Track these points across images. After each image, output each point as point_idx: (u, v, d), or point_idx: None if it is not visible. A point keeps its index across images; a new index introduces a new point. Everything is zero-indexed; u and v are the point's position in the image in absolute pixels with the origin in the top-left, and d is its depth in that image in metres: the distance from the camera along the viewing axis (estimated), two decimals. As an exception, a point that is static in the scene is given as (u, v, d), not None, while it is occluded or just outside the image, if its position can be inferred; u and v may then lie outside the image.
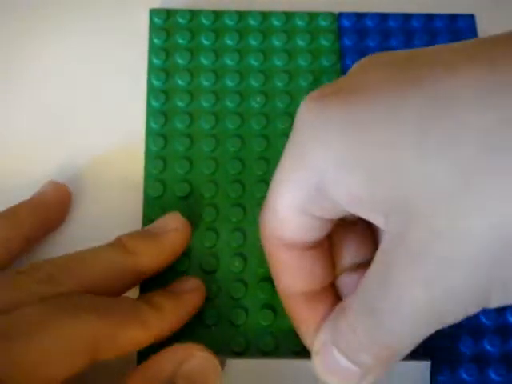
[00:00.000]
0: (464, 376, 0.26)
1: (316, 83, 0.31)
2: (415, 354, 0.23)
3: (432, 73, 0.18)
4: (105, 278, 0.23)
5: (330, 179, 0.20)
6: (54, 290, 0.22)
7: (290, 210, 0.22)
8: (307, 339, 0.24)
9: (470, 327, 0.27)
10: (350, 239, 0.25)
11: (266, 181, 0.28)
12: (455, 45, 0.19)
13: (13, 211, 0.26)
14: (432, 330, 0.20)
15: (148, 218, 0.28)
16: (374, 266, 0.20)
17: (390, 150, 0.18)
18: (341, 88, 0.20)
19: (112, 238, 0.25)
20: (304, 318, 0.24)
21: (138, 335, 0.22)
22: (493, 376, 0.26)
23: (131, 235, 0.25)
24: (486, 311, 0.27)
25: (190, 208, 0.28)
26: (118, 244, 0.25)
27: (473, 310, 0.19)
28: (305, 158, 0.21)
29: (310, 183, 0.21)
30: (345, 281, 0.24)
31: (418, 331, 0.20)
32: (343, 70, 0.31)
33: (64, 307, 0.21)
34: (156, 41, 0.31)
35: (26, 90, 0.31)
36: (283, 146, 0.29)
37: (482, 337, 0.27)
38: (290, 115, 0.30)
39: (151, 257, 0.25)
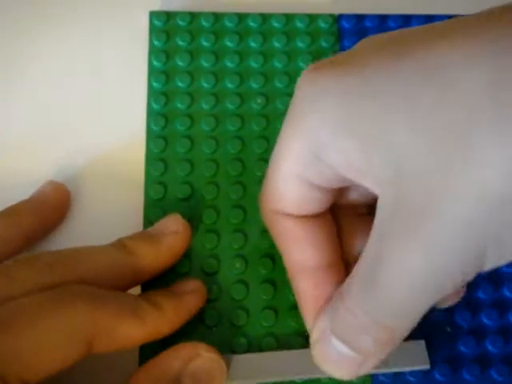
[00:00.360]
0: (466, 376, 0.26)
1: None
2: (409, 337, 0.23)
3: (423, 44, 0.19)
4: (103, 274, 0.23)
5: (326, 145, 0.21)
6: (51, 280, 0.22)
7: (289, 179, 0.22)
8: (309, 319, 0.24)
9: (471, 328, 0.27)
10: (360, 229, 0.25)
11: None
12: (447, 21, 0.20)
13: (12, 210, 0.26)
14: (431, 302, 0.20)
15: (149, 220, 0.28)
16: (369, 241, 0.21)
17: (381, 121, 0.19)
18: (336, 60, 0.21)
19: (113, 239, 0.25)
20: (311, 296, 0.24)
21: (134, 330, 0.22)
22: (495, 376, 0.26)
23: (131, 236, 0.25)
24: (488, 313, 0.27)
25: (190, 210, 0.28)
26: (119, 244, 0.25)
27: (469, 272, 0.19)
28: (302, 126, 0.21)
29: (307, 149, 0.21)
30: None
31: (417, 305, 0.20)
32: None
33: (61, 296, 0.21)
34: (156, 43, 0.31)
35: (26, 90, 0.31)
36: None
37: (484, 337, 0.27)
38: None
39: (150, 258, 0.25)
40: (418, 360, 0.25)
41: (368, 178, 0.20)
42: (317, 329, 0.23)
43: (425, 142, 0.18)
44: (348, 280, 0.22)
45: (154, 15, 0.32)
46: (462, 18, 0.20)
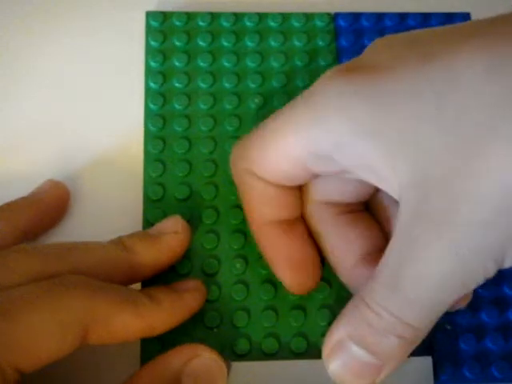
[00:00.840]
0: (466, 374, 0.26)
1: (313, 83, 0.31)
2: (415, 352, 0.23)
3: (447, 48, 0.19)
4: (98, 267, 0.23)
5: (345, 145, 0.21)
6: (46, 269, 0.22)
7: (288, 157, 0.23)
8: (285, 276, 0.25)
9: (471, 326, 0.27)
10: (358, 228, 0.25)
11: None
12: (459, 25, 0.21)
13: (8, 206, 0.26)
14: (452, 301, 0.21)
15: (148, 221, 0.27)
16: (394, 241, 0.21)
17: (411, 123, 0.20)
18: (363, 65, 0.21)
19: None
20: (278, 245, 0.25)
21: (130, 322, 0.22)
22: (496, 373, 0.26)
23: (130, 235, 0.25)
24: (488, 310, 0.27)
25: (190, 210, 0.28)
26: (117, 240, 0.25)
27: (491, 270, 0.20)
28: (323, 120, 0.21)
29: (322, 143, 0.22)
30: (356, 273, 0.25)
31: (442, 304, 0.21)
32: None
33: (57, 286, 0.21)
34: (153, 43, 0.31)
35: (24, 91, 0.31)
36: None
37: (485, 335, 0.27)
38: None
39: (148, 256, 0.25)
40: (422, 376, 0.25)
41: (388, 180, 0.21)
42: (330, 342, 0.23)
43: (450, 148, 0.19)
44: (370, 284, 0.22)
45: (150, 15, 0.31)
46: (477, 22, 0.21)
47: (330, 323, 0.24)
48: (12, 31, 0.32)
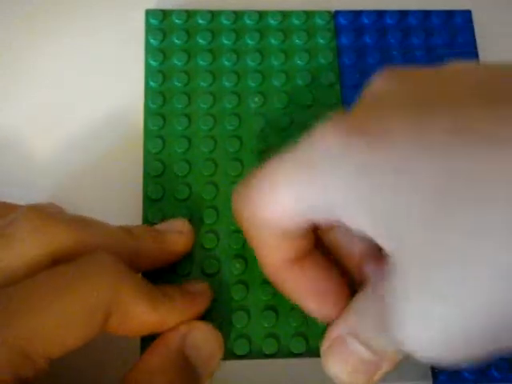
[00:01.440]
0: (466, 374, 0.26)
1: (314, 82, 0.31)
2: None
3: (447, 116, 0.18)
4: (109, 246, 0.23)
5: (339, 207, 0.20)
6: (70, 242, 0.22)
7: (286, 213, 0.22)
8: (309, 303, 0.24)
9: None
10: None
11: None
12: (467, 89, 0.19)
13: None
14: None
15: (148, 221, 0.28)
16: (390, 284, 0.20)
17: (398, 203, 0.19)
18: (365, 126, 0.20)
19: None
20: (300, 280, 0.24)
21: (147, 314, 0.22)
22: (495, 374, 0.26)
23: (138, 225, 0.26)
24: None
25: (189, 210, 0.28)
26: (125, 227, 0.25)
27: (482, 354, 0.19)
28: (318, 180, 0.21)
29: (319, 200, 0.21)
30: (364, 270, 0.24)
31: None
32: (340, 68, 0.31)
33: (86, 264, 0.21)
34: (152, 41, 0.31)
35: (24, 89, 0.31)
36: (282, 146, 0.29)
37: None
38: (289, 115, 0.30)
39: (152, 247, 0.25)
40: (420, 375, 0.25)
41: (377, 241, 0.20)
42: (329, 337, 0.23)
43: (444, 238, 0.18)
44: (381, 285, 0.22)
45: (150, 13, 0.31)
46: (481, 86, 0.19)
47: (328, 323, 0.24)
48: (12, 31, 0.32)
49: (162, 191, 0.28)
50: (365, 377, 0.22)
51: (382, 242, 0.20)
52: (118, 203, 0.29)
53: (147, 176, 0.28)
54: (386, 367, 0.22)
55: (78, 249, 0.22)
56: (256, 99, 0.30)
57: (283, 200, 0.22)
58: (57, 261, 0.21)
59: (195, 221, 0.28)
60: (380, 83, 0.21)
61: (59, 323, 0.20)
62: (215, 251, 0.27)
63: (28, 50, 0.32)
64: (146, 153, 0.29)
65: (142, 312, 0.22)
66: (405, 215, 0.18)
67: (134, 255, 0.24)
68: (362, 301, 0.23)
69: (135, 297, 0.22)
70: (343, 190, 0.20)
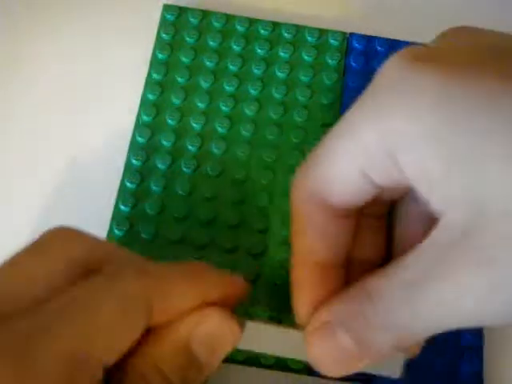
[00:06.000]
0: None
1: (313, 99, 0.31)
2: None
3: None
4: None
5: (407, 147, 0.19)
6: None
7: (349, 169, 0.21)
8: (302, 310, 0.23)
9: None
10: (372, 230, 0.24)
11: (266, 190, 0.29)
12: None
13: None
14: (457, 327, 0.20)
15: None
16: (424, 252, 0.20)
17: (478, 146, 0.18)
18: (436, 55, 0.19)
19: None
20: (313, 287, 0.23)
21: (187, 291, 0.22)
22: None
23: None
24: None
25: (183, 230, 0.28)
26: None
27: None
28: (384, 118, 0.19)
29: (383, 147, 0.20)
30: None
31: (448, 327, 0.20)
32: (343, 89, 0.31)
33: (114, 274, 0.21)
34: (163, 35, 0.31)
35: (31, 74, 0.32)
36: (267, 158, 0.29)
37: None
38: (280, 126, 0.30)
39: None
40: (391, 368, 0.24)
41: (439, 195, 0.19)
42: (317, 319, 0.22)
43: None
44: (380, 281, 0.21)
45: (166, 8, 0.32)
46: None
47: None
48: (20, 19, 0.33)
49: (140, 180, 0.29)
50: (343, 368, 0.22)
51: (451, 196, 0.19)
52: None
53: (129, 164, 0.29)
54: (367, 361, 0.21)
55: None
56: (251, 107, 0.30)
57: (345, 152, 0.21)
58: None
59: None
60: (444, 36, 0.21)
61: (108, 329, 0.20)
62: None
63: (36, 34, 0.33)
64: (133, 143, 0.29)
65: (182, 294, 0.21)
66: (495, 176, 0.17)
67: None
68: (362, 292, 0.22)
69: (170, 282, 0.21)
70: (417, 128, 0.19)
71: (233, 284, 0.23)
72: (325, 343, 0.22)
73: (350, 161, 0.21)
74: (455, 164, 0.18)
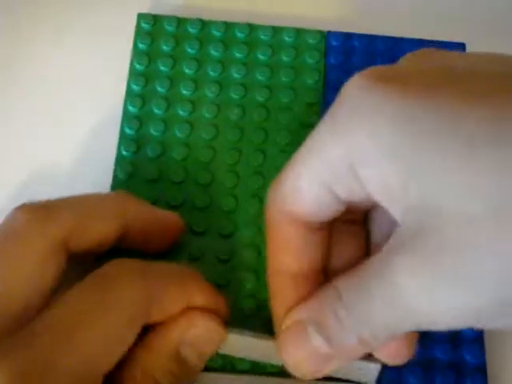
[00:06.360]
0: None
1: (296, 100, 0.31)
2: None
3: (497, 94, 0.18)
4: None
5: (367, 163, 0.20)
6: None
7: (314, 184, 0.22)
8: (278, 320, 0.24)
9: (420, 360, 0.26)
10: (343, 239, 0.24)
11: (258, 196, 0.29)
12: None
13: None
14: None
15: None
16: (376, 259, 0.20)
17: (437, 158, 0.18)
18: (396, 76, 0.20)
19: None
20: (286, 296, 0.23)
21: (179, 295, 0.23)
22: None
23: None
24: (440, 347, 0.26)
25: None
26: None
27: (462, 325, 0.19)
28: (345, 135, 0.20)
29: (345, 160, 0.20)
30: None
31: (404, 328, 0.20)
32: (325, 88, 0.31)
33: (111, 278, 0.21)
34: (140, 45, 0.31)
35: (15, 92, 0.32)
36: (256, 159, 0.29)
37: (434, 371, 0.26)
38: (265, 130, 0.30)
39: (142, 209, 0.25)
40: (365, 375, 0.25)
41: (398, 207, 0.20)
42: (290, 318, 0.23)
43: (475, 189, 0.18)
44: (349, 279, 0.21)
45: (141, 17, 0.32)
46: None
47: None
48: (8, 33, 0.33)
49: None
50: (314, 367, 0.22)
51: (407, 204, 0.19)
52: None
53: (117, 178, 0.29)
54: (337, 363, 0.22)
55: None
56: (235, 111, 0.30)
57: (310, 167, 0.21)
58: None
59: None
60: (408, 57, 0.21)
61: (106, 340, 0.20)
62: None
63: (23, 47, 0.32)
64: (119, 155, 0.29)
65: (174, 296, 0.22)
66: (448, 169, 0.18)
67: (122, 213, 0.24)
68: (332, 290, 0.22)
69: (167, 289, 0.22)
70: (376, 145, 0.19)
71: (216, 295, 0.24)
72: (296, 345, 0.22)
73: (316, 177, 0.21)
74: (413, 178, 0.19)
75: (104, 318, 0.20)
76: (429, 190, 0.19)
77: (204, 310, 0.23)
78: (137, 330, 0.21)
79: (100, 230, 0.23)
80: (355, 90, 0.20)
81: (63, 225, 0.22)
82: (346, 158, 0.20)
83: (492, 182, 0.17)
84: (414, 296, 0.19)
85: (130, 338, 0.21)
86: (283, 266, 0.24)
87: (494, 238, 0.17)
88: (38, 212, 0.22)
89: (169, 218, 0.26)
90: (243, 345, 0.24)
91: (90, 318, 0.20)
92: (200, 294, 0.23)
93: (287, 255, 0.23)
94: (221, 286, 0.27)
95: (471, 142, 0.18)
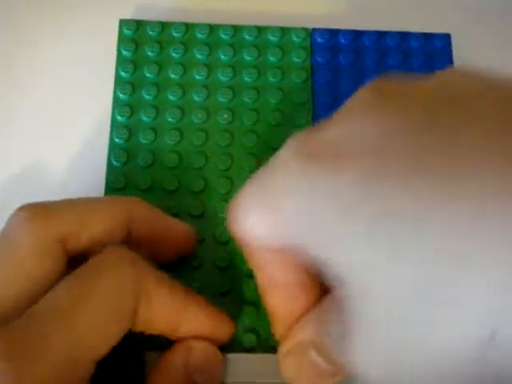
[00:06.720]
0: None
1: (285, 100, 0.30)
2: None
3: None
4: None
5: (298, 234, 0.20)
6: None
7: (262, 237, 0.22)
8: (279, 334, 0.24)
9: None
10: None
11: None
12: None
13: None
14: None
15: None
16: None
17: (344, 225, 0.19)
18: (329, 150, 0.20)
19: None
20: (282, 308, 0.23)
21: (169, 304, 0.23)
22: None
23: None
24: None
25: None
26: None
27: None
28: (280, 205, 0.20)
29: (282, 227, 0.21)
30: None
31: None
32: (313, 87, 0.31)
33: (102, 263, 0.21)
34: (124, 52, 0.31)
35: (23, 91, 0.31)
36: (247, 166, 0.29)
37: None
38: (256, 133, 0.30)
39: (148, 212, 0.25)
40: None
41: (331, 270, 0.20)
42: (291, 341, 0.23)
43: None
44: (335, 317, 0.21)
45: (123, 23, 0.31)
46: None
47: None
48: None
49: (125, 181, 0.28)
50: (319, 383, 0.22)
51: (334, 268, 0.19)
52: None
53: (109, 186, 0.28)
54: (341, 377, 0.22)
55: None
56: (225, 115, 0.30)
57: (254, 228, 0.22)
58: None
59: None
60: (363, 95, 0.21)
61: (95, 325, 0.20)
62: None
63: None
64: (109, 165, 0.29)
65: (163, 302, 0.22)
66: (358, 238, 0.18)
67: (127, 213, 0.24)
68: (327, 310, 0.22)
69: (157, 286, 0.22)
70: (291, 201, 0.20)
71: (220, 320, 0.24)
72: (299, 367, 0.22)
73: (263, 232, 0.21)
74: (328, 239, 0.19)
75: (91, 304, 0.20)
76: (346, 256, 0.19)
77: (199, 337, 0.24)
78: (124, 318, 0.21)
79: (100, 230, 0.23)
80: (291, 161, 0.20)
81: (61, 223, 0.22)
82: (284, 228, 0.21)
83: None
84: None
85: (118, 325, 0.21)
86: (272, 280, 0.23)
87: None
88: (37, 211, 0.22)
89: (178, 227, 0.26)
90: (244, 364, 0.25)
91: (82, 303, 0.20)
92: (204, 322, 0.24)
93: (273, 270, 0.23)
94: (221, 293, 0.27)
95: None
